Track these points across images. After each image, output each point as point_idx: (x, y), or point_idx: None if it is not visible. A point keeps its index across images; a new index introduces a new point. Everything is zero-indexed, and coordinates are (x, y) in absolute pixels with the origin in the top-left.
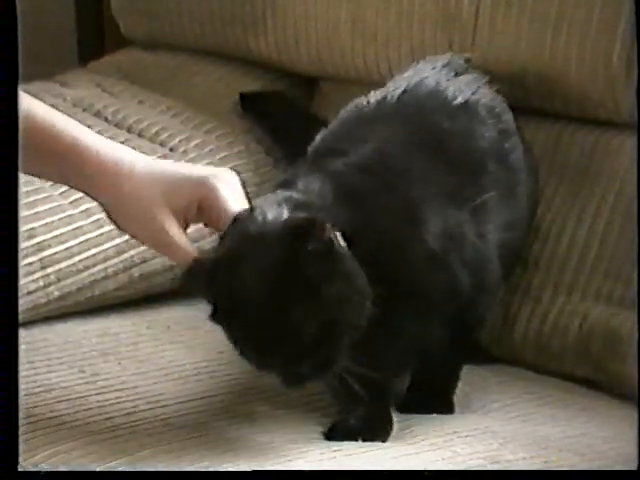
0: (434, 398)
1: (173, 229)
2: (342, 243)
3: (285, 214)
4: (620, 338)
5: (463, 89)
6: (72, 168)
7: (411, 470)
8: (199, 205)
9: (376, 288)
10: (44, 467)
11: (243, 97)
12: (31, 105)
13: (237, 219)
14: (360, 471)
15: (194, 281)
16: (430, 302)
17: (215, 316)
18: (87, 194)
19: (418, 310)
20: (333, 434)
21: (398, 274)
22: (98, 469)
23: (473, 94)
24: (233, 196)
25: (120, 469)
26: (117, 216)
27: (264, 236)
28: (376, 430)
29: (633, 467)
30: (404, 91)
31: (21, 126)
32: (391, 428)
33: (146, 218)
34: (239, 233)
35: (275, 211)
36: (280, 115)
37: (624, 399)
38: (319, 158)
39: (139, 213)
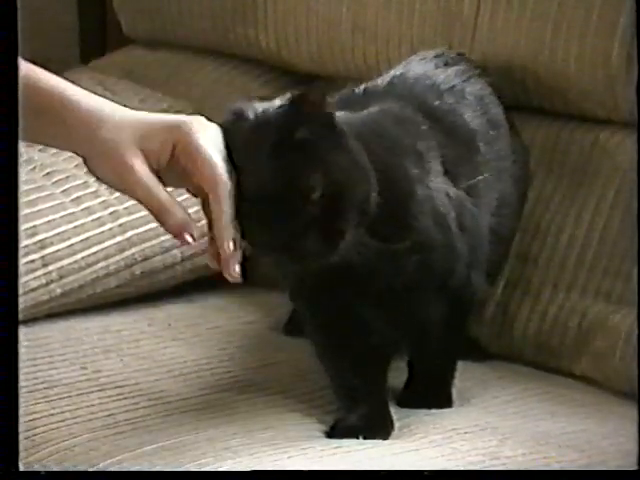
0: (432, 392)
1: (141, 169)
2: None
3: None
4: (619, 335)
5: (452, 77)
6: (55, 122)
7: (411, 470)
8: (174, 151)
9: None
10: (47, 465)
11: None
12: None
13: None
14: (360, 471)
15: None
16: (428, 263)
17: None
18: (69, 148)
19: (416, 268)
20: (334, 432)
21: (403, 214)
22: (100, 466)
23: (462, 82)
24: (209, 141)
25: (120, 469)
26: (94, 164)
27: (267, 115)
28: (377, 428)
29: (633, 466)
30: (394, 76)
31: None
32: (392, 426)
33: (116, 160)
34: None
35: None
36: None
37: (623, 396)
38: None
39: (111, 156)
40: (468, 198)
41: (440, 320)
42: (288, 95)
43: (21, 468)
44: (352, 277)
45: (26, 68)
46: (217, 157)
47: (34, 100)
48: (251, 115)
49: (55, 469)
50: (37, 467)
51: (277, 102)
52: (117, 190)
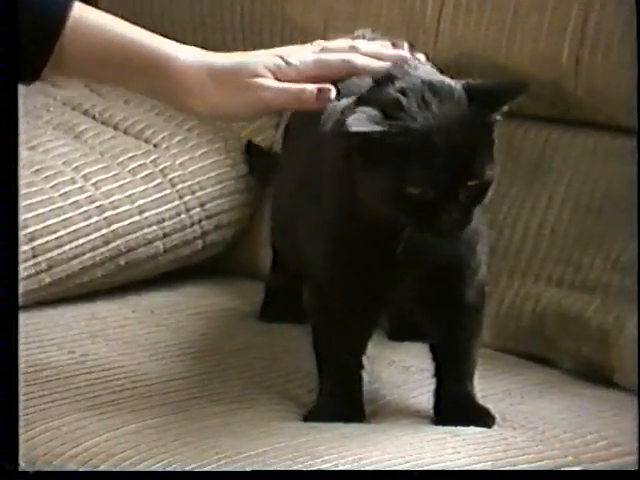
0: (466, 404)
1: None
2: None
3: None
4: (570, 318)
5: None
6: (126, 66)
7: (400, 470)
8: None
9: None
10: (37, 444)
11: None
12: (82, 11)
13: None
14: (353, 471)
15: None
16: (473, 244)
17: None
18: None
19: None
20: (310, 416)
21: None
22: (87, 445)
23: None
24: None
25: (120, 469)
26: (196, 97)
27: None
28: (353, 413)
29: (633, 466)
30: None
31: (74, 33)
32: (363, 412)
33: (234, 82)
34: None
35: None
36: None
37: (575, 375)
38: None
39: (225, 80)
40: None
41: (464, 309)
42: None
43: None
44: (407, 248)
45: (94, 15)
46: None
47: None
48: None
49: (55, 469)
50: (28, 447)
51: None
52: (226, 117)
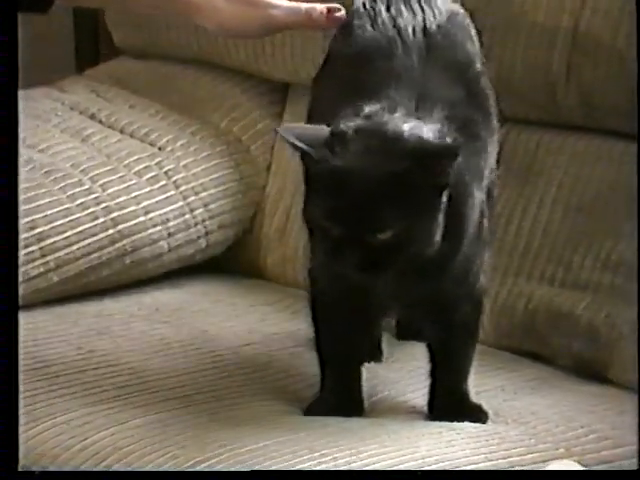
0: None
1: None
2: None
3: None
4: (561, 316)
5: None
6: None
7: (404, 470)
8: None
9: None
10: (46, 437)
11: None
12: None
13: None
14: (355, 471)
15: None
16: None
17: None
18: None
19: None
20: (310, 411)
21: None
22: (99, 468)
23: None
24: None
25: (120, 469)
26: (209, 14)
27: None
28: (351, 407)
29: (633, 466)
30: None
31: None
32: (362, 406)
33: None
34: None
35: None
36: None
37: (567, 370)
38: None
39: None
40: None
41: (460, 320)
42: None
43: (21, 440)
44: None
45: None
46: None
47: None
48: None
49: (60, 468)
50: (36, 441)
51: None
52: (236, 34)
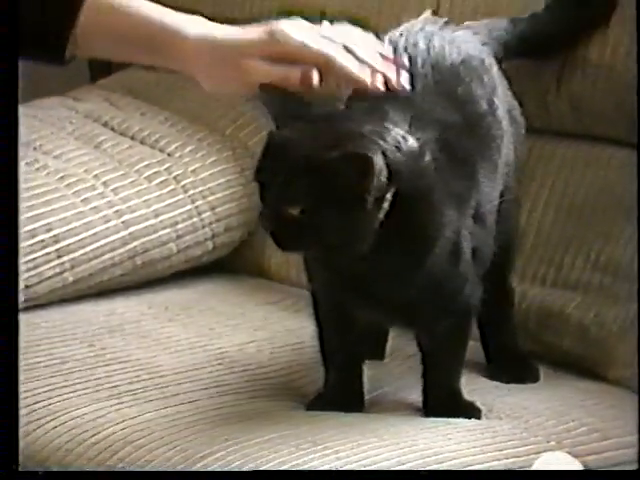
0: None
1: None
2: None
3: None
4: (552, 314)
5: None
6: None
7: (407, 470)
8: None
9: None
10: (61, 433)
11: None
12: None
13: None
14: (358, 471)
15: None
16: (437, 288)
17: None
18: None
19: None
20: (312, 405)
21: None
22: (111, 461)
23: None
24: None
25: (119, 469)
26: (211, 73)
27: None
28: (352, 403)
29: (633, 466)
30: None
31: (90, 12)
32: (362, 402)
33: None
34: None
35: None
36: None
37: (557, 367)
38: None
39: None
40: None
41: (443, 329)
42: None
43: (38, 433)
44: (365, 282)
45: None
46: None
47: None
48: None
49: (64, 469)
50: (52, 435)
51: None
52: (225, 92)
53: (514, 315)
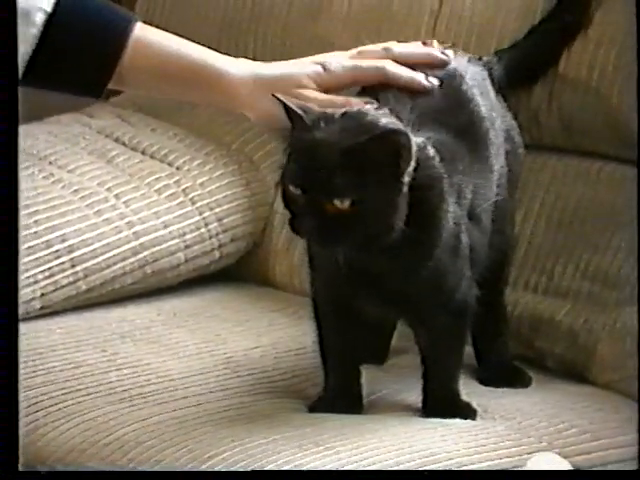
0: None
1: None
2: None
3: None
4: (543, 321)
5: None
6: (192, 85)
7: (409, 470)
8: None
9: None
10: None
11: None
12: (143, 31)
13: None
14: (359, 471)
15: None
16: (438, 284)
17: None
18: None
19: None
20: (314, 408)
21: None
22: (123, 461)
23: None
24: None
25: (130, 469)
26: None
27: None
28: (351, 405)
29: (633, 466)
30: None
31: (135, 52)
32: (361, 404)
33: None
34: None
35: None
36: None
37: (549, 371)
38: None
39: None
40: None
41: (441, 327)
42: None
43: (53, 435)
44: (366, 276)
45: (158, 38)
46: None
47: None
48: None
49: (66, 469)
50: (66, 436)
51: None
52: (274, 124)
53: (507, 331)
